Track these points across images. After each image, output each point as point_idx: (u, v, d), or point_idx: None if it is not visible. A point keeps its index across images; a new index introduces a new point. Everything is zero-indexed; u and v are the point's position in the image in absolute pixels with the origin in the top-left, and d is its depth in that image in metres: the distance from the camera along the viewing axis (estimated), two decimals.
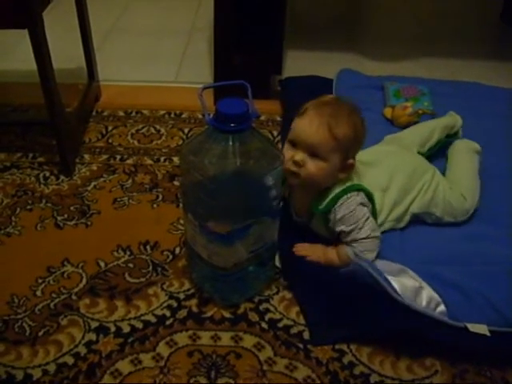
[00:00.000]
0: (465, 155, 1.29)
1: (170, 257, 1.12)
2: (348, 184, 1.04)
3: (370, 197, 1.06)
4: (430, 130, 1.33)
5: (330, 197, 1.03)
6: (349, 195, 1.02)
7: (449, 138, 1.36)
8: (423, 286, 0.99)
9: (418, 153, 1.26)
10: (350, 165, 1.03)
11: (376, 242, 1.04)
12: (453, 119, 1.38)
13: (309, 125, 0.99)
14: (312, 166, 0.99)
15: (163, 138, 1.50)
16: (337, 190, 1.03)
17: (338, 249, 1.05)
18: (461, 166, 1.26)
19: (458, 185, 1.19)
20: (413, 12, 2.47)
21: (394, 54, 2.02)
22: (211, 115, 0.88)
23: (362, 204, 1.03)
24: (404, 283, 0.99)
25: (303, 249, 1.07)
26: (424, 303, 0.97)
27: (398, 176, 1.13)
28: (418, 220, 1.16)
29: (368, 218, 1.03)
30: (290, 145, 1.02)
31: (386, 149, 1.25)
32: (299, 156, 0.99)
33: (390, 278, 0.98)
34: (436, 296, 0.98)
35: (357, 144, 1.04)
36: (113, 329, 0.97)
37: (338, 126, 0.98)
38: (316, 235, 1.11)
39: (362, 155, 1.10)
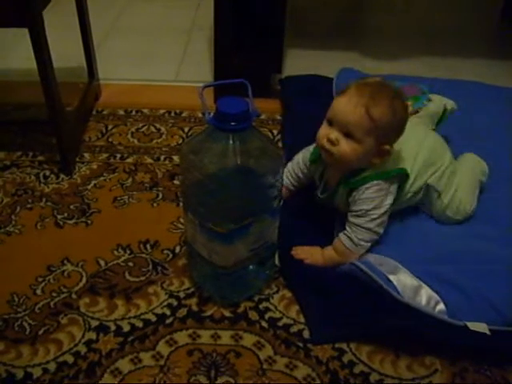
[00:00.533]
0: (468, 166, 1.25)
1: (170, 256, 1.12)
2: (380, 171, 1.03)
3: (403, 178, 1.07)
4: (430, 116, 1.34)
5: (362, 176, 1.03)
6: (379, 182, 1.02)
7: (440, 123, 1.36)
8: (422, 284, 1.00)
9: None
10: (386, 151, 1.01)
11: (374, 238, 1.04)
12: (437, 106, 1.36)
13: (347, 103, 0.97)
14: (346, 146, 0.98)
15: (163, 136, 1.50)
16: (370, 172, 1.02)
17: (334, 244, 1.05)
18: (461, 173, 1.22)
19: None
20: (413, 11, 2.47)
21: (394, 53, 2.02)
22: (211, 114, 0.88)
23: (389, 194, 1.03)
24: (403, 282, 0.99)
25: (302, 252, 1.07)
26: (424, 302, 0.97)
27: (424, 148, 1.12)
28: (419, 211, 1.18)
29: (384, 213, 1.03)
30: (327, 123, 1.00)
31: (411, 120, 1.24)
32: (334, 134, 0.98)
33: (390, 276, 0.98)
34: (435, 295, 0.98)
35: (395, 130, 1.01)
36: (113, 328, 0.97)
37: (376, 108, 0.96)
38: (317, 235, 1.11)
39: None
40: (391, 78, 1.68)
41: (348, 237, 1.03)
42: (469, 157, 1.27)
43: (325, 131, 1.00)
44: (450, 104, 1.37)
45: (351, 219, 1.04)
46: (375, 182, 1.02)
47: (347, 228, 1.04)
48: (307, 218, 1.16)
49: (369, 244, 1.04)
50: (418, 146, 1.12)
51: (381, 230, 1.04)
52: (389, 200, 1.03)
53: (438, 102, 1.36)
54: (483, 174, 1.24)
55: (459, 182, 1.17)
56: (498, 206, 1.21)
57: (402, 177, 1.07)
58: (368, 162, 1.02)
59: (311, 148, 1.13)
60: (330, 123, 1.00)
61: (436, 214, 1.17)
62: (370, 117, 0.96)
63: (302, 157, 1.16)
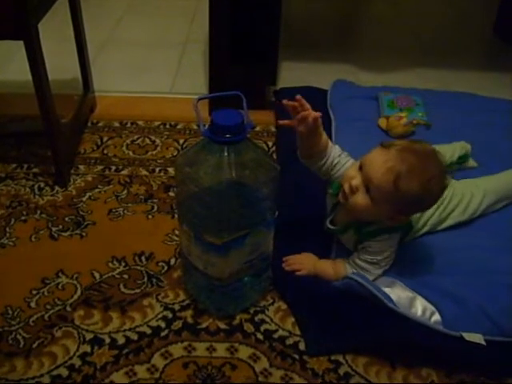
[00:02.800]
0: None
1: (165, 268, 1.12)
2: (396, 224, 1.01)
3: (410, 227, 1.07)
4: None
5: (374, 228, 1.01)
6: (391, 235, 1.01)
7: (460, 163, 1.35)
8: (416, 296, 1.00)
9: None
10: (401, 219, 0.99)
11: (381, 271, 1.04)
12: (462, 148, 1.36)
13: (382, 161, 0.93)
14: (361, 199, 0.95)
15: (158, 148, 1.50)
16: (383, 226, 1.00)
17: (337, 264, 1.05)
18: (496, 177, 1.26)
19: (486, 183, 1.22)
20: (407, 23, 2.49)
21: (387, 65, 2.03)
22: (206, 126, 0.88)
23: (397, 243, 1.03)
24: (398, 293, 1.00)
25: (293, 262, 1.07)
26: (419, 313, 0.97)
27: None
28: None
29: (391, 260, 1.04)
30: (358, 165, 0.97)
31: None
32: (356, 181, 0.95)
33: (385, 289, 0.99)
34: (430, 305, 0.98)
35: (419, 206, 0.99)
36: (107, 340, 0.97)
37: (408, 182, 0.91)
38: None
39: None
40: (385, 89, 1.71)
41: (354, 268, 1.04)
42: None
43: (352, 173, 0.97)
44: (472, 162, 1.38)
45: (360, 263, 1.03)
46: (387, 235, 1.01)
47: (356, 266, 1.03)
48: (304, 232, 1.16)
49: (373, 277, 1.04)
50: None
51: (387, 267, 1.04)
52: (396, 245, 1.04)
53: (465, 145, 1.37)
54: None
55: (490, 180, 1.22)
56: (497, 217, 1.21)
57: (408, 227, 1.07)
58: (378, 219, 1.00)
59: (349, 163, 1.05)
60: (360, 168, 0.96)
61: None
62: (396, 187, 0.91)
63: (340, 163, 1.05)
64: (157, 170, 1.41)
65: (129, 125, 1.60)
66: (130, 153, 1.48)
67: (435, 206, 1.06)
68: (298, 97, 0.97)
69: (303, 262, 1.07)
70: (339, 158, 1.05)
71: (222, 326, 1.00)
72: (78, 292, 1.06)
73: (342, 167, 1.04)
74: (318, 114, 0.98)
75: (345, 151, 1.07)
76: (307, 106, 0.98)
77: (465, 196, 1.17)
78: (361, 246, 1.03)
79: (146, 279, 1.09)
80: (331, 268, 1.05)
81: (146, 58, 2.06)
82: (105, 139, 1.53)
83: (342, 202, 1.00)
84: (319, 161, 1.05)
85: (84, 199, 1.29)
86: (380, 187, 0.93)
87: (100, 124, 1.60)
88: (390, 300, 0.97)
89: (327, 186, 1.08)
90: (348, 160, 1.05)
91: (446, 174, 0.96)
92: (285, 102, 0.98)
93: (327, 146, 1.04)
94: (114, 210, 1.26)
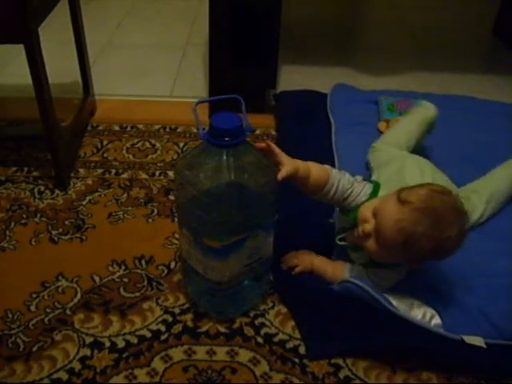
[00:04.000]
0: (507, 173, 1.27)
1: (165, 271, 1.12)
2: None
3: None
4: (410, 130, 1.33)
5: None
6: (402, 266, 1.00)
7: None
8: (416, 300, 1.00)
9: None
10: (412, 265, 0.98)
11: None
12: (426, 110, 1.38)
13: (393, 221, 0.89)
14: (372, 245, 0.93)
15: (158, 152, 1.50)
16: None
17: (337, 265, 1.05)
18: (495, 180, 1.24)
19: (480, 194, 1.20)
20: (406, 27, 2.49)
21: (387, 69, 2.03)
22: (205, 130, 0.88)
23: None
24: (397, 297, 1.00)
25: (289, 259, 1.07)
26: (419, 316, 0.97)
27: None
28: None
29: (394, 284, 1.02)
30: (373, 211, 0.94)
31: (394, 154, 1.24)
32: (369, 227, 0.93)
33: (384, 294, 0.99)
34: (430, 309, 0.98)
35: (431, 259, 0.96)
36: (107, 344, 0.97)
37: (418, 245, 0.88)
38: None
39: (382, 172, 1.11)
40: (385, 93, 1.72)
41: (348, 273, 1.03)
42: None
43: (367, 216, 0.94)
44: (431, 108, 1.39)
45: (371, 277, 1.02)
46: (400, 267, 1.00)
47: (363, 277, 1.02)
48: (304, 235, 1.16)
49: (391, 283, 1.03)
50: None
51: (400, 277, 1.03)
52: (404, 274, 1.02)
53: (425, 109, 1.38)
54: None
55: (484, 190, 1.20)
56: (498, 221, 1.21)
57: None
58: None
59: (366, 188, 1.01)
60: (375, 216, 0.93)
61: None
62: (405, 248, 0.89)
63: (354, 193, 1.01)
64: (157, 173, 1.41)
65: (129, 128, 1.60)
66: (130, 156, 1.48)
67: None
68: (267, 142, 0.94)
69: (300, 258, 1.07)
70: (352, 188, 0.99)
71: (222, 329, 1.00)
72: (78, 295, 1.06)
73: (358, 196, 0.99)
74: (284, 172, 0.93)
75: (357, 176, 1.03)
76: (276, 150, 0.94)
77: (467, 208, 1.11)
78: (372, 272, 1.02)
79: (146, 283, 1.09)
80: (330, 268, 1.05)
81: (146, 61, 2.07)
82: (105, 143, 1.53)
83: (359, 239, 0.97)
84: (326, 195, 1.00)
85: (84, 203, 1.30)
86: (387, 244, 0.91)
87: (100, 127, 1.60)
88: (390, 303, 0.98)
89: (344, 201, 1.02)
90: (363, 186, 1.00)
91: (465, 229, 0.92)
92: (257, 144, 0.94)
93: (326, 181, 0.98)
94: (114, 214, 1.26)
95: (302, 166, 0.97)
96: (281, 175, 0.91)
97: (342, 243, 1.04)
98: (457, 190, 1.13)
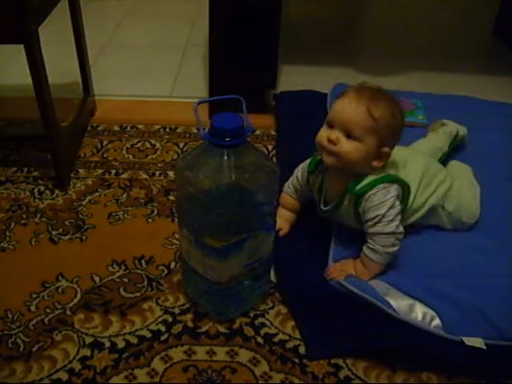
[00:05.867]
0: (460, 168, 1.30)
1: (165, 271, 1.12)
2: (384, 174, 1.04)
3: (406, 189, 1.07)
4: (440, 145, 1.35)
5: (367, 181, 1.03)
6: (385, 185, 1.03)
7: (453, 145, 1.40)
8: (415, 302, 1.00)
9: None
10: (385, 153, 1.02)
11: (398, 242, 1.03)
12: (453, 128, 1.41)
13: (347, 104, 0.99)
14: (347, 145, 0.99)
15: (158, 152, 1.50)
16: (374, 177, 1.03)
17: (361, 258, 1.05)
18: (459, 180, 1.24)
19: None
20: (406, 27, 2.49)
21: (387, 69, 2.03)
22: (206, 130, 0.88)
23: (397, 197, 1.03)
24: (397, 300, 0.99)
25: (334, 270, 1.06)
26: (419, 317, 0.97)
27: (416, 171, 1.13)
28: (426, 224, 1.17)
29: (398, 214, 1.02)
30: (327, 126, 1.02)
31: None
32: (334, 134, 0.99)
33: (384, 296, 0.99)
34: (430, 310, 0.98)
35: (394, 133, 1.02)
36: (107, 344, 0.97)
37: (377, 108, 0.98)
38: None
39: None
40: None
41: (371, 249, 1.03)
42: (454, 164, 1.32)
43: (325, 133, 1.01)
44: (463, 130, 1.42)
45: (370, 230, 1.03)
46: (381, 185, 1.02)
47: (368, 240, 1.04)
48: (303, 233, 1.16)
49: (395, 249, 1.03)
50: (415, 169, 1.13)
51: (401, 229, 1.03)
52: (398, 202, 1.04)
53: (453, 125, 1.41)
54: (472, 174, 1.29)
55: (460, 188, 1.19)
56: (497, 221, 1.21)
57: (404, 186, 1.07)
58: (368, 166, 1.02)
59: (308, 160, 1.14)
60: (331, 126, 1.01)
61: (450, 225, 1.18)
62: (372, 115, 0.98)
63: (301, 170, 1.16)
64: (157, 173, 1.41)
65: (129, 128, 1.60)
66: (130, 156, 1.48)
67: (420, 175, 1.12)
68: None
69: (345, 270, 1.06)
70: (297, 178, 1.17)
71: (222, 329, 1.00)
72: (78, 296, 1.06)
73: (302, 176, 1.15)
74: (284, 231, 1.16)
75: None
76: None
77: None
78: (362, 210, 1.03)
79: (146, 283, 1.09)
80: (362, 267, 1.05)
81: (146, 61, 2.07)
82: (105, 143, 1.53)
83: (329, 164, 1.03)
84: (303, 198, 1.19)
85: (84, 203, 1.30)
86: (359, 123, 0.98)
87: (100, 128, 1.60)
88: (390, 306, 0.98)
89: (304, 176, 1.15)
90: (297, 169, 1.17)
91: (398, 100, 1.04)
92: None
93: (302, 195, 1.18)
94: (114, 214, 1.26)
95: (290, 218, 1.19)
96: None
97: (327, 208, 1.11)
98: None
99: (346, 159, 1.00)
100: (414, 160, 1.16)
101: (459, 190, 1.18)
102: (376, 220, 1.02)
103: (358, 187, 1.03)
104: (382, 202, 1.02)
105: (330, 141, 1.00)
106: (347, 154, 0.99)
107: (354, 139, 0.99)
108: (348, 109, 0.99)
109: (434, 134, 1.39)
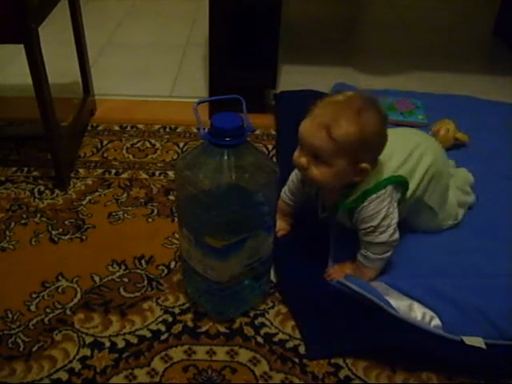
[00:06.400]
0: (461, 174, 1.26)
1: (165, 271, 1.12)
2: (375, 181, 0.99)
3: (403, 183, 1.02)
4: None
5: (359, 193, 0.99)
6: (378, 194, 0.98)
7: None
8: (414, 302, 1.00)
9: None
10: (364, 169, 0.95)
11: (391, 249, 1.01)
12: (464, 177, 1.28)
13: (310, 126, 0.93)
14: (315, 171, 0.95)
15: (158, 152, 1.50)
16: (366, 187, 0.98)
17: (357, 262, 1.05)
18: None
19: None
20: (406, 27, 2.49)
21: (387, 68, 2.03)
22: (206, 130, 0.88)
23: (393, 199, 1.00)
24: (396, 299, 0.99)
25: (334, 272, 1.06)
26: (419, 317, 0.97)
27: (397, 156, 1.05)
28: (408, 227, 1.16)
29: (392, 221, 0.99)
30: (299, 145, 0.97)
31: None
32: (303, 159, 0.95)
33: (385, 296, 0.99)
34: (429, 310, 0.98)
35: (367, 146, 0.93)
36: (107, 344, 0.97)
37: (338, 128, 0.90)
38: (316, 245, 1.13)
39: None
40: (385, 92, 1.72)
41: (364, 255, 1.03)
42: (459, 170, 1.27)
43: (296, 154, 0.97)
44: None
45: (362, 238, 1.02)
46: (374, 195, 0.98)
47: (361, 246, 1.03)
48: (303, 233, 1.16)
49: (388, 254, 1.02)
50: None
51: (395, 237, 1.00)
52: (394, 208, 1.00)
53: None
54: (466, 182, 1.23)
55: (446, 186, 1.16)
56: (497, 221, 1.21)
57: (401, 184, 1.03)
58: (349, 181, 0.98)
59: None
60: (301, 146, 0.97)
61: (427, 227, 1.17)
62: (332, 138, 0.90)
63: (296, 174, 1.12)
64: (157, 173, 1.41)
65: (129, 128, 1.60)
66: (130, 156, 1.48)
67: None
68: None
69: (344, 271, 1.06)
70: (293, 182, 1.14)
71: (222, 329, 1.00)
72: (78, 295, 1.06)
73: (297, 180, 1.12)
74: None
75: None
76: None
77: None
78: (355, 220, 1.01)
79: (146, 283, 1.09)
80: (358, 270, 1.05)
81: (146, 61, 2.07)
82: (105, 143, 1.53)
83: (308, 182, 1.02)
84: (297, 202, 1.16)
85: (84, 203, 1.30)
86: (322, 148, 0.92)
87: (100, 127, 1.60)
88: (390, 305, 0.98)
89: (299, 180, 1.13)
90: (294, 172, 1.13)
91: (371, 104, 0.94)
92: None
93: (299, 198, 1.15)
94: (114, 214, 1.26)
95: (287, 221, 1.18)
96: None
97: (324, 215, 1.09)
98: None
99: (320, 183, 0.97)
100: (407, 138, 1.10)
101: (445, 189, 1.14)
102: (369, 230, 1.00)
103: (349, 200, 1.00)
104: (375, 212, 0.98)
105: (301, 166, 0.96)
106: (317, 180, 0.96)
107: (322, 163, 0.93)
108: (310, 132, 0.93)
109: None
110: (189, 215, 0.95)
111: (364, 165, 0.94)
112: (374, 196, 0.98)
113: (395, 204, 1.01)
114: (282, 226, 1.16)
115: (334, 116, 0.91)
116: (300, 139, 0.96)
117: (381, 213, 0.99)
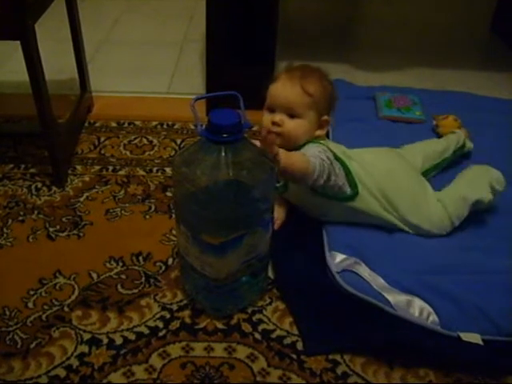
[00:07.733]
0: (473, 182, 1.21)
1: (163, 268, 1.12)
2: (325, 131, 1.15)
3: (340, 161, 1.10)
4: (438, 152, 1.33)
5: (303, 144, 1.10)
6: (315, 143, 1.09)
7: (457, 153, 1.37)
8: (413, 297, 1.00)
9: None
10: (325, 121, 1.13)
11: (322, 157, 1.04)
12: (460, 138, 1.38)
13: (282, 87, 1.10)
14: (291, 124, 1.08)
15: (155, 148, 1.50)
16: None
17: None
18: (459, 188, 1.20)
19: (447, 201, 1.16)
20: (404, 23, 2.49)
21: (384, 65, 2.03)
22: (203, 126, 0.88)
23: (324, 151, 1.06)
24: (394, 295, 1.00)
25: (272, 138, 1.01)
26: (417, 313, 0.97)
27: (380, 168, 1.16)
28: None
29: (322, 154, 1.05)
30: (268, 111, 1.11)
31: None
32: (278, 117, 1.09)
33: (382, 292, 0.99)
34: (427, 306, 0.98)
35: (328, 102, 1.13)
36: (105, 341, 0.97)
37: (310, 85, 1.08)
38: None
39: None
40: (382, 89, 1.72)
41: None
42: (477, 169, 1.23)
43: (268, 118, 1.10)
44: (469, 144, 1.40)
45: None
46: (310, 143, 1.09)
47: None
48: (300, 230, 1.16)
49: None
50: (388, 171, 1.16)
51: (324, 157, 1.04)
52: (328, 155, 1.06)
53: (460, 135, 1.39)
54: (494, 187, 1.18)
55: (450, 198, 1.16)
56: (495, 220, 1.21)
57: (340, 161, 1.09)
58: (313, 135, 1.11)
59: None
60: (272, 110, 1.10)
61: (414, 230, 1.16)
62: (307, 92, 1.08)
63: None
64: (154, 170, 1.41)
65: (126, 125, 1.60)
66: (128, 153, 1.48)
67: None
68: (264, 137, 1.05)
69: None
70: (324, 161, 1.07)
71: (220, 325, 1.00)
72: (76, 292, 1.06)
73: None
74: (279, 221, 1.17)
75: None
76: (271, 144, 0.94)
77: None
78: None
79: (143, 279, 1.09)
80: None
81: (144, 58, 2.06)
82: (102, 139, 1.53)
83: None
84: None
85: (81, 199, 1.29)
86: (298, 101, 1.08)
87: (97, 124, 1.60)
88: (387, 303, 0.98)
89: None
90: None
91: (326, 74, 1.16)
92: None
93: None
94: (111, 210, 1.26)
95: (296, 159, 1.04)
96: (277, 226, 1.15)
97: (280, 184, 1.13)
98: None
99: (292, 136, 1.09)
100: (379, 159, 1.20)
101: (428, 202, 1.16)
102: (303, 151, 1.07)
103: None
104: (310, 148, 1.07)
105: (274, 123, 1.08)
106: (293, 131, 1.08)
107: (296, 117, 1.08)
108: (284, 91, 1.09)
109: (438, 139, 1.39)
110: (186, 212, 0.95)
111: (325, 117, 1.13)
112: (311, 143, 1.10)
113: (331, 156, 1.07)
114: (276, 215, 1.15)
115: (303, 76, 1.10)
116: (273, 102, 1.10)
117: (315, 148, 1.07)
